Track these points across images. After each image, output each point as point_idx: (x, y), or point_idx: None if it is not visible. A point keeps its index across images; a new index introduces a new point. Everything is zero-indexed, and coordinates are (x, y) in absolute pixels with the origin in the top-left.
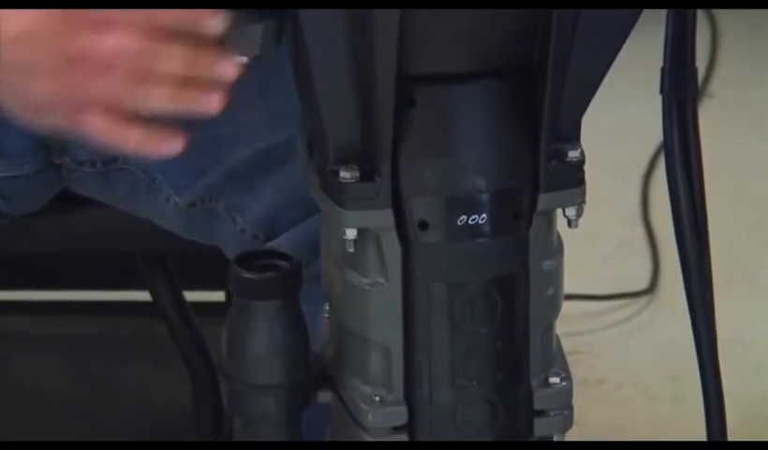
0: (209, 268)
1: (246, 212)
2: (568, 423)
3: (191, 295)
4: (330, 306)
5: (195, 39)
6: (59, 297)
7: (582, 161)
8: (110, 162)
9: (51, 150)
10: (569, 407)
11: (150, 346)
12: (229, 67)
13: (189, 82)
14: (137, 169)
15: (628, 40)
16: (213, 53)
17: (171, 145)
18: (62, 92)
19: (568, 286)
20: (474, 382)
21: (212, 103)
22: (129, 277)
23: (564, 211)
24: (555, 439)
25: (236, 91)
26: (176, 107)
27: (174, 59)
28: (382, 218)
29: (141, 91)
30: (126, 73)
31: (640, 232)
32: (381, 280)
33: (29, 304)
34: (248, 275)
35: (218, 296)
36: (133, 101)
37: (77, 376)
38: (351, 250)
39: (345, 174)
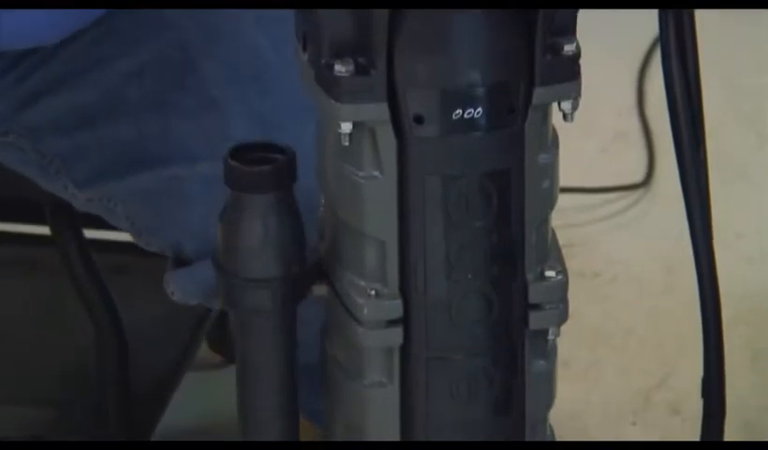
0: None
1: (151, 232)
2: (563, 316)
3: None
4: (325, 200)
5: None
6: None
7: (577, 55)
8: (1, 134)
9: None
10: (565, 300)
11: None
12: None
13: None
14: (31, 149)
15: None
16: None
17: None
18: None
19: (564, 179)
20: (469, 276)
21: None
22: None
23: (559, 104)
24: (551, 332)
25: (140, 102)
26: None
27: None
28: (377, 112)
29: None
30: None
31: (635, 124)
32: (376, 174)
33: None
34: (242, 168)
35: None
36: None
37: None
38: (346, 144)
39: (340, 68)
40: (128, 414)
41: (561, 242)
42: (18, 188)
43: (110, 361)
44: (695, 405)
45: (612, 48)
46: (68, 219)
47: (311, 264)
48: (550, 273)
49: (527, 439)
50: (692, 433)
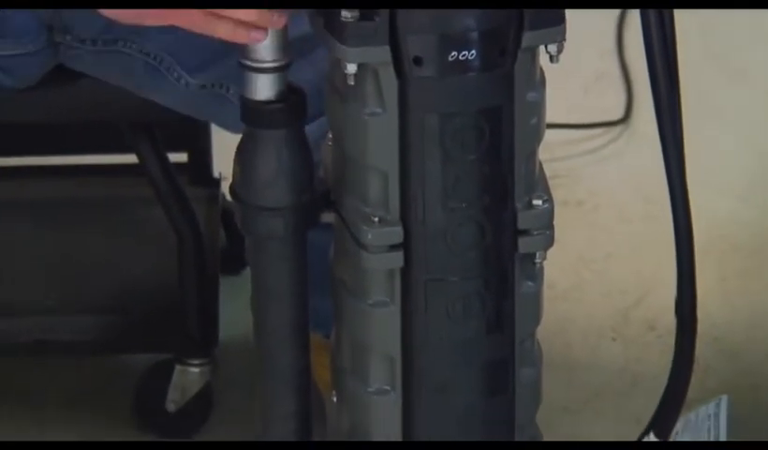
0: (190, 132)
1: None
2: (549, 241)
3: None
4: (332, 137)
5: None
6: (45, 162)
7: None
8: (110, 43)
9: (53, 30)
10: (551, 227)
11: (135, 207)
12: (279, 18)
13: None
14: (137, 52)
15: None
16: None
17: (257, 35)
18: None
19: (550, 116)
20: (464, 205)
21: (257, 36)
22: (118, 144)
23: (546, 47)
24: (538, 256)
25: None
26: (231, 37)
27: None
28: (380, 54)
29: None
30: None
31: (615, 66)
32: (379, 111)
33: (25, 169)
34: (258, 105)
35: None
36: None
37: (65, 236)
38: (352, 84)
39: (346, 14)
40: (209, 312)
41: (547, 174)
42: (104, 113)
43: (190, 266)
44: (669, 322)
45: None
46: (151, 140)
47: (320, 194)
48: (537, 202)
49: (516, 354)
50: (667, 347)
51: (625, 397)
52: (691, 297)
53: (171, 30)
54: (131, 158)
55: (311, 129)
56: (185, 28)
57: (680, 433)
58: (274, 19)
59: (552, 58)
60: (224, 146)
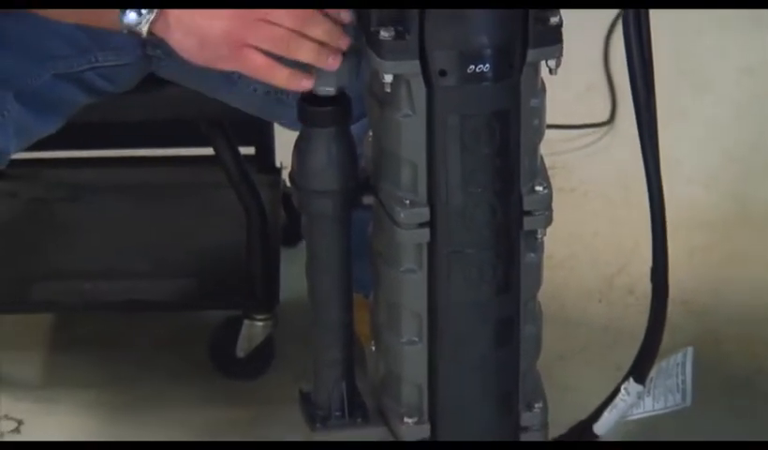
0: (257, 129)
1: None
2: (549, 220)
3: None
4: (372, 133)
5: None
6: (140, 153)
7: (560, 25)
8: None
9: (146, 45)
10: (550, 208)
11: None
12: (346, 41)
13: (323, 47)
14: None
15: None
16: (340, 32)
17: (307, 83)
18: (234, 30)
19: (549, 118)
20: (479, 190)
21: (334, 63)
22: (198, 138)
23: (546, 62)
24: (539, 233)
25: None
26: (314, 61)
27: (321, 28)
28: (411, 67)
29: (296, 43)
30: (288, 29)
31: (602, 78)
32: (410, 113)
33: (122, 159)
34: (312, 108)
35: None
36: (287, 50)
37: (154, 213)
38: (388, 91)
39: (384, 34)
40: (272, 276)
41: (547, 165)
42: (187, 112)
43: (256, 238)
44: (646, 287)
45: (584, 20)
46: (225, 136)
47: (361, 180)
48: (539, 188)
49: (521, 312)
50: (644, 308)
51: (608, 349)
52: (664, 267)
53: None
54: (208, 150)
55: (355, 128)
56: (249, 69)
57: (654, 378)
58: (329, 61)
59: (551, 71)
60: (284, 141)
